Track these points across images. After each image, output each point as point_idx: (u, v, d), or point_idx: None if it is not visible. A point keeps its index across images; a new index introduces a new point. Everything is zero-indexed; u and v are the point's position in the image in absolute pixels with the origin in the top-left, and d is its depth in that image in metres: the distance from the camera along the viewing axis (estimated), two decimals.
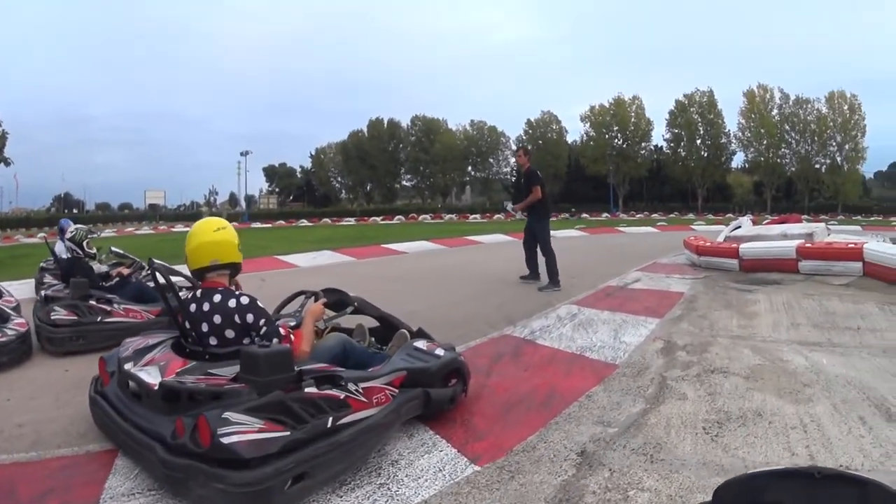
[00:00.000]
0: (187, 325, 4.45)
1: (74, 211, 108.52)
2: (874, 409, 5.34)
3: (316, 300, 5.43)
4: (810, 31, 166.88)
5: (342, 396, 3.95)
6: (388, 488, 3.84)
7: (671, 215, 73.49)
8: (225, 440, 3.21)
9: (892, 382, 6.05)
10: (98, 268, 9.81)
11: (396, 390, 4.53)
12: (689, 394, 5.83)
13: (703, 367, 6.67)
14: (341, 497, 3.73)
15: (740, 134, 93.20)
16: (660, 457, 4.41)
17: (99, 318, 7.72)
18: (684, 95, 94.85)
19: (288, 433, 3.47)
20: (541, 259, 13.32)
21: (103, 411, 4.26)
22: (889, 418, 5.13)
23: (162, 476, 3.53)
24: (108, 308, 7.91)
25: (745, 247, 14.71)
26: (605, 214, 72.97)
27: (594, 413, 5.35)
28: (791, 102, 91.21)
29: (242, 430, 3.30)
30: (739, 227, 19.27)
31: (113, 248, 10.50)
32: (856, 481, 1.54)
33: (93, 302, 7.88)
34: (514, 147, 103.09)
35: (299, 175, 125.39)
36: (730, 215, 65.06)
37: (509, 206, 14.73)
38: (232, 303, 4.33)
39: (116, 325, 7.69)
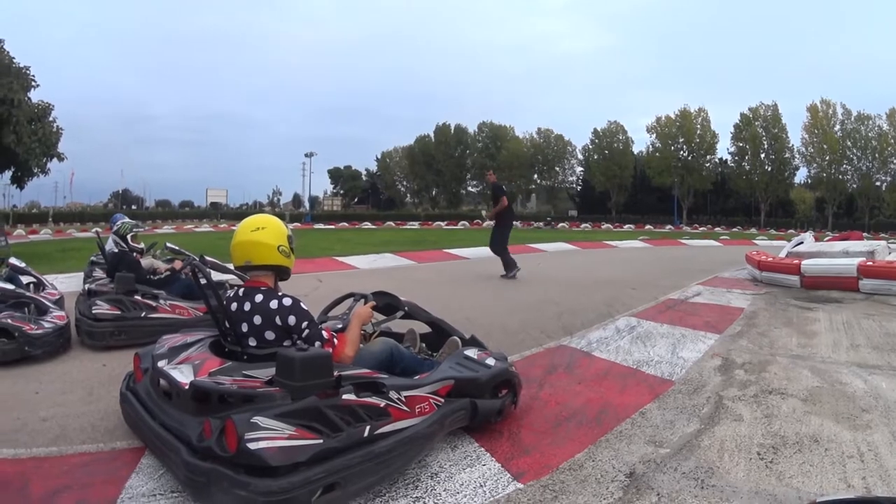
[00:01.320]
0: (227, 324, 4.35)
1: (133, 207, 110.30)
2: None
3: (365, 303, 5.27)
4: (873, 47, 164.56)
5: (382, 405, 3.84)
6: (424, 502, 3.72)
7: (734, 229, 73.04)
8: (252, 445, 3.11)
9: None
10: (151, 263, 9.76)
11: (442, 400, 4.41)
12: (745, 415, 5.69)
13: (761, 387, 6.55)
14: None
15: (803, 149, 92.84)
16: (711, 482, 4.27)
17: (143, 314, 7.72)
18: (749, 109, 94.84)
19: (320, 441, 3.37)
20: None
21: (133, 408, 4.20)
22: None
23: (184, 479, 3.43)
24: (154, 304, 7.89)
25: (806, 263, 14.59)
26: (668, 226, 72.78)
27: (646, 432, 5.22)
28: (853, 118, 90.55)
29: (271, 435, 3.19)
30: (801, 242, 19.12)
31: (168, 244, 10.56)
32: None
33: (138, 297, 7.85)
34: (580, 156, 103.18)
35: (364, 178, 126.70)
36: (791, 231, 64.67)
37: (483, 212, 17.79)
38: (273, 304, 4.23)
39: (161, 322, 7.66)
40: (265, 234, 4.38)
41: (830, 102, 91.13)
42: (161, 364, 4.15)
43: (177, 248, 10.32)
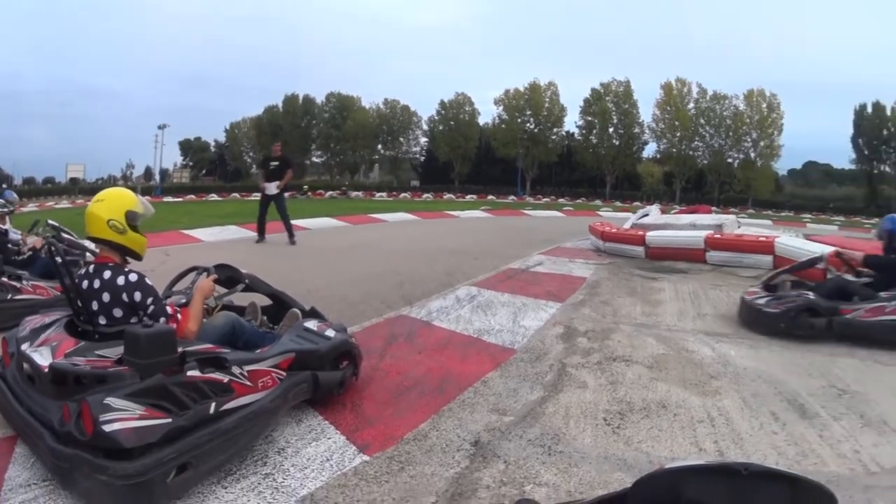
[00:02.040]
0: (79, 302, 4.27)
1: (3, 186, 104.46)
2: (787, 405, 5.42)
3: (207, 276, 5.23)
4: (734, 32, 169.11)
5: (226, 380, 3.84)
6: (274, 479, 3.77)
7: (578, 201, 73.74)
8: (107, 428, 3.10)
9: (805, 378, 6.17)
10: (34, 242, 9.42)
11: (284, 373, 4.44)
12: (589, 382, 5.84)
13: (605, 354, 6.72)
14: (226, 488, 3.66)
15: (654, 125, 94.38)
16: (558, 449, 4.40)
17: (9, 296, 7.45)
18: (601, 84, 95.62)
19: (170, 420, 3.36)
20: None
21: (3, 395, 4.04)
22: (803, 414, 5.23)
23: (51, 466, 3.40)
24: (18, 285, 7.64)
25: (652, 234, 14.94)
26: (511, 197, 73.06)
27: (490, 400, 5.32)
28: (708, 97, 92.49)
29: (124, 416, 3.18)
30: (647, 215, 19.46)
31: (50, 221, 10.20)
32: (787, 479, 1.47)
33: (4, 279, 7.58)
34: (425, 127, 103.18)
35: (213, 149, 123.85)
36: (637, 203, 65.71)
37: (268, 186, 17.63)
38: (120, 280, 4.16)
39: (25, 303, 7.39)
40: (100, 206, 4.28)
41: (686, 81, 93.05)
42: (24, 347, 4.06)
43: (58, 224, 9.98)
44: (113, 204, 4.32)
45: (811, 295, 7.70)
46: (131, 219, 4.35)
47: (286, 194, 18.83)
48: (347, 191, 76.83)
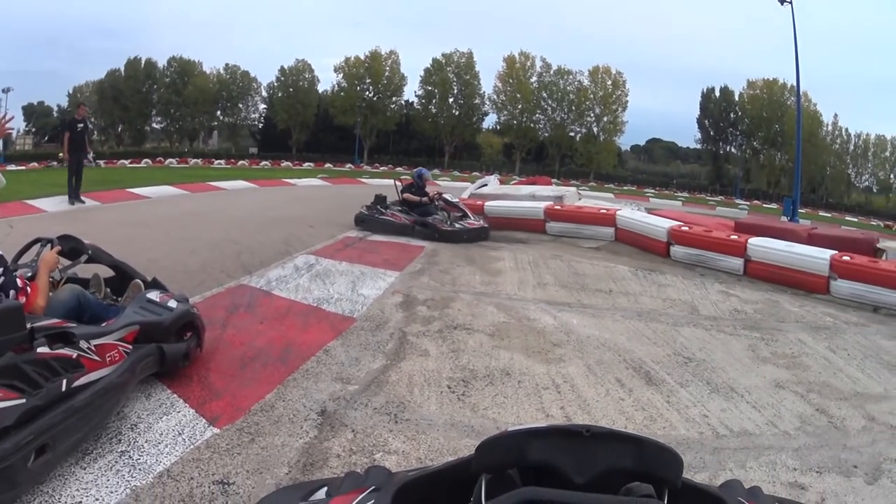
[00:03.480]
0: None
1: None
2: (632, 372, 5.68)
3: (51, 248, 5.05)
4: (585, 9, 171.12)
5: (75, 356, 3.78)
6: (130, 456, 3.77)
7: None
8: None
9: (650, 346, 6.45)
10: None
11: (130, 346, 4.41)
12: (431, 350, 6.00)
13: (445, 322, 6.90)
14: (84, 469, 3.64)
15: (495, 97, 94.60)
16: (404, 416, 4.54)
17: None
18: (443, 55, 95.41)
19: (24, 401, 3.28)
20: None
21: None
22: (649, 381, 5.50)
23: None
24: None
25: (490, 204, 15.31)
26: (348, 165, 72.45)
27: (333, 369, 5.43)
28: (552, 72, 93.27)
29: None
30: (486, 185, 19.77)
31: None
32: (629, 439, 1.55)
33: None
34: (264, 94, 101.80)
35: (56, 115, 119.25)
36: (476, 173, 66.07)
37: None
38: None
39: None
40: None
41: (529, 55, 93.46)
42: None
43: None
44: None
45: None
46: None
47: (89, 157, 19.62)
48: (187, 157, 75.08)
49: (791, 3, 33.63)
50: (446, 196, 14.80)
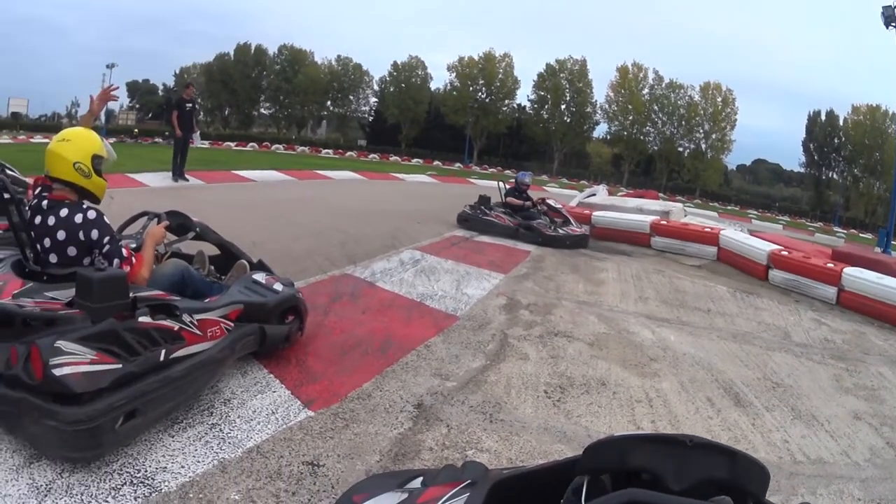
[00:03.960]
0: (29, 238, 4.12)
1: None
2: (723, 392, 5.58)
3: (158, 222, 5.09)
4: (699, 24, 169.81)
5: (176, 328, 3.81)
6: (221, 429, 3.78)
7: None
8: (57, 371, 3.03)
9: (741, 368, 6.32)
10: None
11: (232, 324, 4.42)
12: (531, 354, 5.93)
13: (547, 328, 6.82)
14: (173, 437, 3.65)
15: (607, 106, 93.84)
16: (499, 417, 4.47)
17: None
18: (556, 61, 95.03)
19: (120, 366, 3.32)
20: None
21: None
22: (737, 402, 5.39)
23: None
24: None
25: (598, 214, 15.13)
26: (458, 164, 72.57)
27: (433, 364, 5.39)
28: (664, 85, 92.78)
29: (75, 360, 3.12)
30: (594, 195, 19.63)
31: None
32: (726, 451, 1.56)
33: None
34: (376, 87, 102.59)
35: (161, 93, 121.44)
36: (584, 182, 65.78)
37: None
38: (78, 217, 4.03)
39: None
40: (66, 146, 4.11)
41: (642, 66, 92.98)
42: None
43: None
44: (80, 146, 4.16)
45: None
46: (96, 162, 4.22)
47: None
48: (294, 145, 75.88)
49: None
50: (550, 201, 14.75)
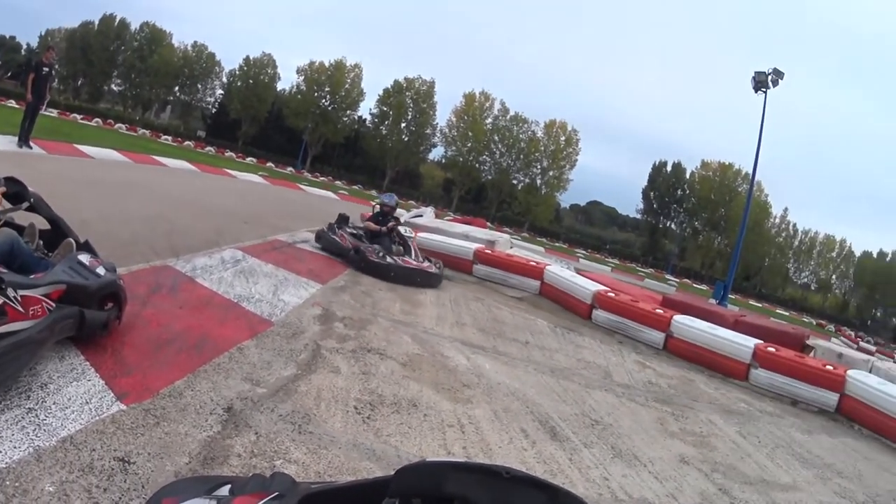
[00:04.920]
0: None
1: None
2: (538, 424, 5.74)
3: None
4: (552, 62, 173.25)
5: (0, 302, 3.72)
6: (37, 415, 3.72)
7: (355, 186, 73.24)
8: None
9: (559, 403, 6.52)
10: None
11: (53, 305, 4.32)
12: (342, 368, 6.01)
13: (360, 343, 6.92)
14: None
15: (447, 130, 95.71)
16: (309, 429, 4.54)
17: None
18: (405, 78, 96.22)
19: None
20: None
21: None
22: (554, 436, 5.56)
23: None
24: None
25: (422, 236, 15.16)
26: (290, 169, 72.19)
27: (244, 368, 5.41)
28: (508, 117, 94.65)
29: None
30: (421, 216, 19.78)
31: None
32: (546, 487, 1.58)
33: None
34: (224, 80, 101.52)
35: (24, 53, 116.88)
36: (413, 202, 66.08)
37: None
38: None
39: None
40: None
41: (490, 96, 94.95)
42: None
43: None
44: None
45: None
46: None
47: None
48: (136, 126, 74.13)
49: (766, 92, 34.46)
50: (401, 228, 14.18)
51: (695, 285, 67.87)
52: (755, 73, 35.22)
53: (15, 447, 3.36)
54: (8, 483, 3.08)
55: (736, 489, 5.56)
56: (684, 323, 11.06)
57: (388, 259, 12.23)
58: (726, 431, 7.22)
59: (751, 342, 10.57)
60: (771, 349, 10.31)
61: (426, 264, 12.72)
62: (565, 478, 4.82)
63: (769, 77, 34.63)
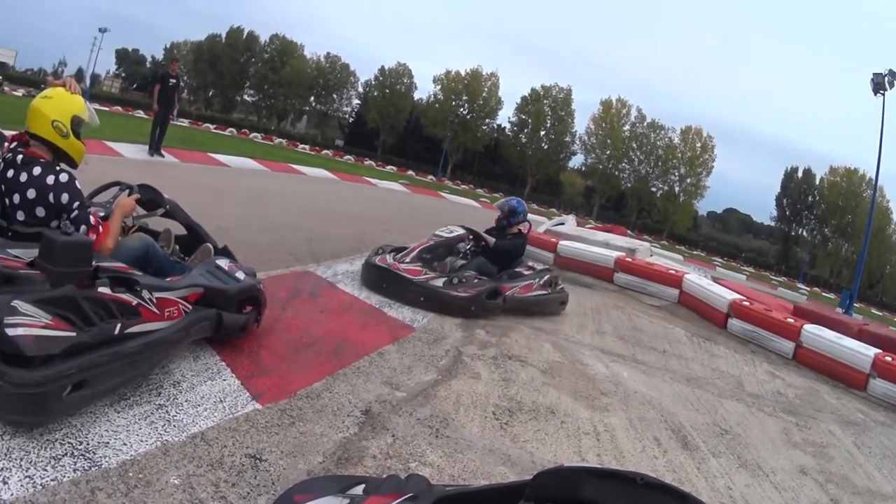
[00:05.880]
0: None
1: None
2: (671, 434, 5.58)
3: (129, 194, 5.07)
4: (687, 68, 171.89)
5: (134, 303, 3.76)
6: (167, 411, 3.75)
7: (496, 195, 73.34)
8: (10, 331, 2.99)
9: (692, 412, 6.33)
10: None
11: (190, 307, 4.38)
12: (483, 374, 5.90)
13: (501, 350, 6.79)
14: (119, 413, 3.62)
15: (586, 138, 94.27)
16: (446, 433, 4.46)
17: None
18: (542, 86, 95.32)
19: (74, 334, 3.27)
20: None
21: None
22: (685, 445, 5.40)
23: None
24: None
25: (564, 244, 14.94)
26: (430, 177, 72.27)
27: (384, 372, 5.38)
28: (645, 124, 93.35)
29: (29, 322, 3.07)
30: (563, 224, 19.54)
31: None
32: (677, 494, 1.55)
33: None
34: (360, 90, 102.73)
35: (149, 65, 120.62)
36: (554, 210, 65.83)
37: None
38: (50, 179, 3.96)
39: None
40: (47, 104, 4.05)
41: (626, 102, 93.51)
42: None
43: None
44: (61, 105, 4.09)
45: (487, 279, 8.29)
46: (76, 124, 4.14)
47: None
48: (272, 136, 75.45)
49: (884, 93, 33.23)
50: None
51: (824, 294, 66.01)
52: (873, 74, 33.77)
53: (141, 441, 3.39)
54: (131, 474, 3.09)
55: (845, 500, 5.41)
56: (813, 332, 10.69)
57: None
58: (843, 442, 6.98)
59: (871, 352, 10.16)
60: (888, 358, 9.90)
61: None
62: (691, 486, 4.70)
63: (885, 78, 33.31)
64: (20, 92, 47.07)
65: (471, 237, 9.55)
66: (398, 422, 4.45)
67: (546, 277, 9.24)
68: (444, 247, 9.22)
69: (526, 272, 9.16)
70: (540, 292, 9.00)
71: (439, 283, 7.93)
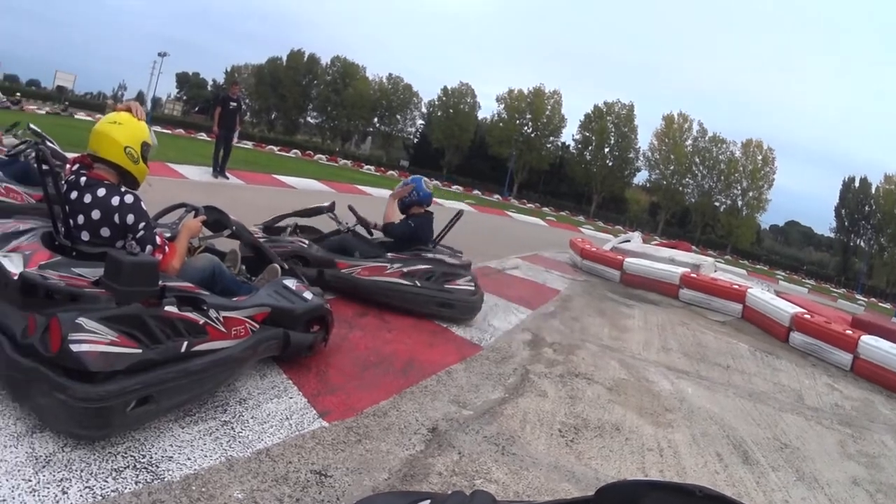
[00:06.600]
0: (62, 213, 4.10)
1: None
2: (732, 448, 5.52)
3: (196, 216, 5.10)
4: (748, 81, 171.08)
5: (201, 322, 3.78)
6: (232, 427, 3.76)
7: (562, 213, 73.01)
8: (74, 347, 3.01)
9: (753, 427, 6.24)
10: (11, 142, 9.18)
11: (257, 326, 4.40)
12: (549, 392, 5.88)
13: (568, 368, 6.76)
14: (183, 428, 3.63)
15: (650, 154, 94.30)
16: (512, 450, 4.43)
17: None
18: (605, 103, 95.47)
19: (140, 351, 3.28)
20: None
21: None
22: (745, 460, 5.32)
23: (4, 375, 3.26)
24: None
25: (630, 261, 14.92)
26: (497, 196, 72.54)
27: (451, 391, 5.35)
28: (707, 138, 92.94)
29: (94, 339, 3.09)
30: (629, 241, 19.56)
31: (31, 126, 9.90)
32: None
33: None
34: (424, 110, 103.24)
35: (210, 88, 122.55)
36: (619, 227, 65.65)
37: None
38: (115, 200, 4.02)
39: None
40: (118, 129, 4.13)
41: (688, 117, 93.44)
42: None
43: (39, 130, 9.65)
44: (132, 131, 4.20)
45: (304, 243, 7.82)
46: (145, 150, 4.28)
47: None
48: (337, 157, 76.04)
49: None
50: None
51: (881, 304, 64.99)
52: None
53: (206, 455, 3.40)
54: (194, 488, 3.10)
55: None
56: (869, 343, 10.50)
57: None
58: (895, 451, 6.86)
59: None
60: None
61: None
62: (750, 500, 4.66)
63: None
64: (81, 114, 48.11)
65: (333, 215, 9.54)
66: (464, 439, 4.43)
67: (423, 268, 7.75)
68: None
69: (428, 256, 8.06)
70: (396, 280, 7.56)
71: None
